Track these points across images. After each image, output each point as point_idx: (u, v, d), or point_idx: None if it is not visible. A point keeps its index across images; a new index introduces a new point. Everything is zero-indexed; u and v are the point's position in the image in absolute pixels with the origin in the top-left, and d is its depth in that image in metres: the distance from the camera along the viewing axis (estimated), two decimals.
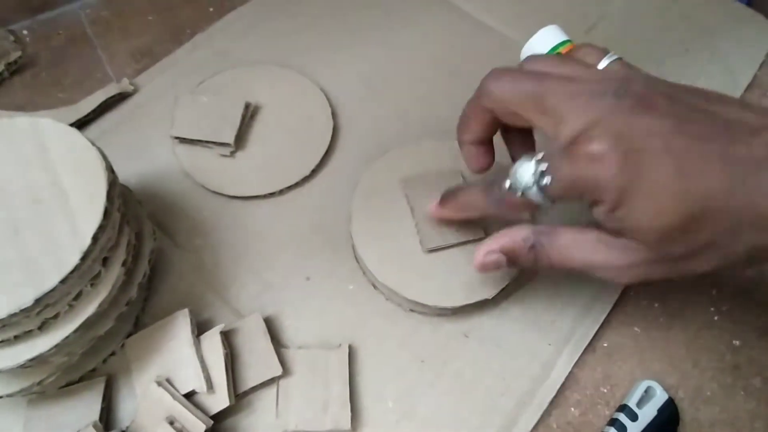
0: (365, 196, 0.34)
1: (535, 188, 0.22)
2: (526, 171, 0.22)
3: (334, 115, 0.39)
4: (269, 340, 0.30)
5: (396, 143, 0.36)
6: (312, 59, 0.42)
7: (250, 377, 0.29)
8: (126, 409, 0.29)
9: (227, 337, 0.30)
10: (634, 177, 0.20)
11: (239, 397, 0.29)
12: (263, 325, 0.30)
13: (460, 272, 0.31)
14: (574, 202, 0.22)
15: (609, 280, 0.24)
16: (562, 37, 0.38)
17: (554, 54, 0.37)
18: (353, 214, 0.33)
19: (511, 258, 0.25)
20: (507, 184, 0.23)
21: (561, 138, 0.22)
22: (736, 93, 0.43)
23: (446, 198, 0.29)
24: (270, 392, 0.30)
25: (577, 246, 0.24)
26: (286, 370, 0.29)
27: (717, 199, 0.19)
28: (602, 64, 0.28)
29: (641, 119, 0.20)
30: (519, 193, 0.23)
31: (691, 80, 0.17)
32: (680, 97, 0.21)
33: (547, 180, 0.22)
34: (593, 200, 0.21)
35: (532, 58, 0.25)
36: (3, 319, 0.23)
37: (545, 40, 0.38)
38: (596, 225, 0.23)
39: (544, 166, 0.22)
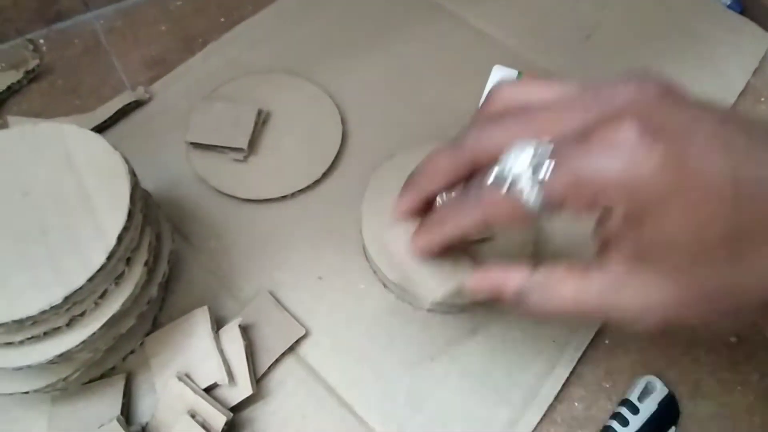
0: (374, 197, 0.35)
1: (528, 179, 0.17)
2: (522, 153, 0.17)
3: (342, 121, 0.41)
4: (283, 309, 0.32)
5: (402, 148, 0.37)
6: (321, 68, 0.44)
7: (276, 346, 0.30)
8: (145, 405, 0.30)
9: (244, 332, 0.31)
10: (681, 173, 0.15)
11: (259, 384, 0.30)
12: (272, 298, 0.32)
13: (468, 270, 0.32)
14: (573, 217, 0.17)
15: (627, 325, 0.19)
16: (514, 72, 0.39)
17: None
18: (363, 215, 0.34)
19: (495, 295, 0.23)
20: (493, 172, 0.18)
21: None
22: (730, 100, 0.45)
23: (407, 198, 0.24)
24: (289, 379, 0.31)
25: (576, 295, 0.19)
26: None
27: None
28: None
29: (676, 106, 0.16)
30: (505, 188, 0.18)
31: (684, 88, 0.17)
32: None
33: (547, 168, 0.17)
34: (606, 210, 0.17)
35: (499, 91, 0.21)
36: (34, 316, 0.24)
37: (500, 77, 0.39)
38: (597, 263, 0.19)
39: (548, 149, 0.17)
